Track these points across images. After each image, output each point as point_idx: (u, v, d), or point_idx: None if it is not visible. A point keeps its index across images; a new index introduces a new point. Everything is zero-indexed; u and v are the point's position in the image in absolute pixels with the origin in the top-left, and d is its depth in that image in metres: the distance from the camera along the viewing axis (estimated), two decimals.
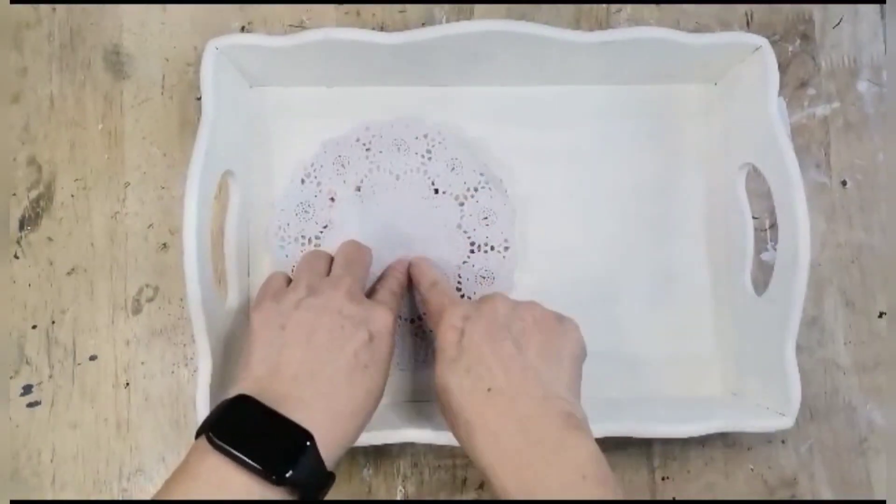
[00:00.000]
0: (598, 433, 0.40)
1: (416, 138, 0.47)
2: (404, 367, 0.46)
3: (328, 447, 0.33)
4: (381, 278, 0.44)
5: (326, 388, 0.34)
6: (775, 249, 0.47)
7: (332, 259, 0.42)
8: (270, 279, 0.41)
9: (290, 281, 0.41)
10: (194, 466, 0.31)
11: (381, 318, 0.37)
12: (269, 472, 0.30)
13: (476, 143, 0.47)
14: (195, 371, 0.45)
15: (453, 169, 0.46)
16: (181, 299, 0.46)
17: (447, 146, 0.47)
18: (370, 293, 0.42)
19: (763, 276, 0.47)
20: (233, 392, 0.33)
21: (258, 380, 0.34)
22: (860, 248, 0.49)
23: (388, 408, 0.44)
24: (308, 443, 0.32)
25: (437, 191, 0.46)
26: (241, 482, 0.30)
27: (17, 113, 0.47)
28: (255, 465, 0.30)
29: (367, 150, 0.46)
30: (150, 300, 0.46)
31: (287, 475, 0.31)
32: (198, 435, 0.32)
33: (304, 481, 0.31)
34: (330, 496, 0.33)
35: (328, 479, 0.33)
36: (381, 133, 0.46)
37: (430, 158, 0.46)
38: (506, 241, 0.46)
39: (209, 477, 0.31)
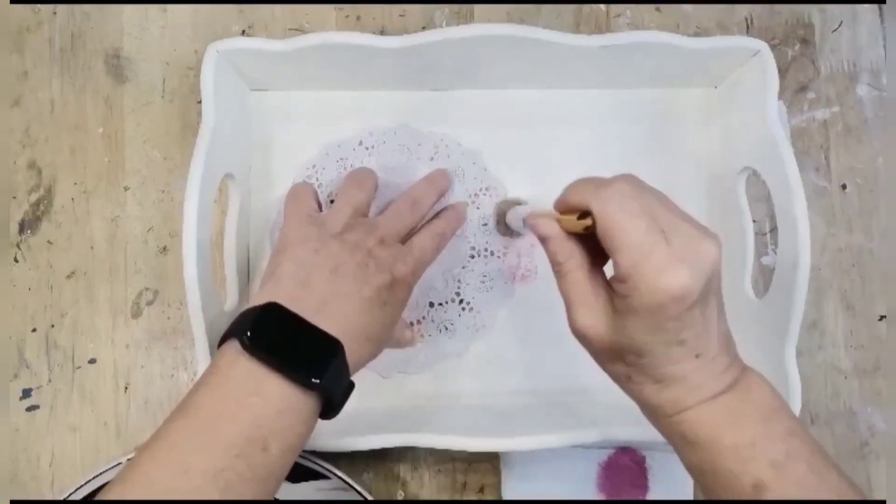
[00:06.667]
0: (597, 438, 0.40)
1: (420, 144, 0.47)
2: (404, 370, 0.46)
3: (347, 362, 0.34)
4: (437, 215, 0.43)
5: (348, 310, 0.35)
6: (775, 253, 0.47)
7: (374, 190, 0.42)
8: (299, 195, 0.41)
9: (317, 198, 0.41)
10: (226, 370, 0.31)
11: (404, 267, 0.37)
12: (305, 376, 0.31)
13: (477, 148, 0.47)
14: (195, 375, 0.45)
15: (455, 175, 0.46)
16: (181, 303, 0.46)
17: (450, 153, 0.47)
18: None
19: (763, 279, 0.47)
20: (259, 300, 0.33)
21: (287, 292, 0.34)
22: (860, 252, 0.49)
23: (387, 411, 0.44)
24: (337, 351, 0.32)
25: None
26: (277, 386, 0.31)
27: (18, 116, 0.47)
28: (291, 369, 0.31)
29: (370, 154, 0.46)
30: (149, 304, 0.46)
31: (320, 380, 0.31)
32: (224, 340, 0.32)
33: (334, 387, 0.32)
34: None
35: (351, 387, 0.34)
36: (384, 137, 0.47)
37: (432, 165, 0.46)
38: (505, 246, 0.46)
39: (244, 381, 0.31)
